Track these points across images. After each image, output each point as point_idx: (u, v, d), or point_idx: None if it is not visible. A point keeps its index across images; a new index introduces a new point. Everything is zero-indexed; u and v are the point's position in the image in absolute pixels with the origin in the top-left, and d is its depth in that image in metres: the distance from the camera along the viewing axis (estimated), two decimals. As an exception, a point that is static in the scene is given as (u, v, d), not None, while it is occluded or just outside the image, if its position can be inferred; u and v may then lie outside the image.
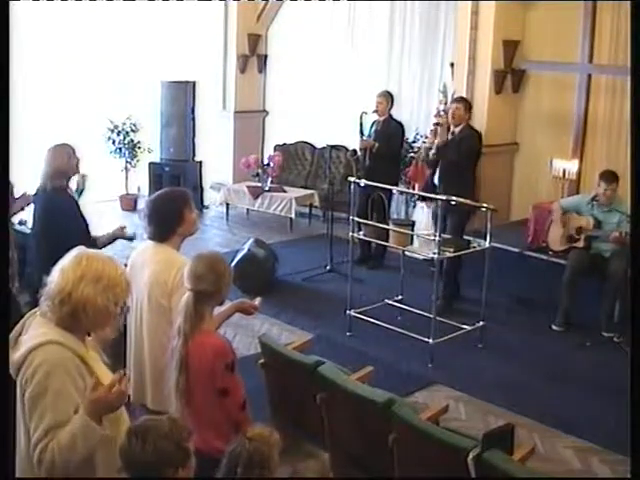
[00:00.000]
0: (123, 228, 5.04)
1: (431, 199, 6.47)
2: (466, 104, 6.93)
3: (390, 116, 7.89)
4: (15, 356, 2.44)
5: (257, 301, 3.71)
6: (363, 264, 7.86)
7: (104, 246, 4.83)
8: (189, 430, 2.38)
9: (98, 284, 2.44)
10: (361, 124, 7.80)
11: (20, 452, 2.47)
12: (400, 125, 7.95)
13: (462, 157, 6.69)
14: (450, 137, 6.77)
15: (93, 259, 2.51)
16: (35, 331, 2.46)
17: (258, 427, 2.60)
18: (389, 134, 7.79)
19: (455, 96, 7.99)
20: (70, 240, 4.76)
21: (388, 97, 7.90)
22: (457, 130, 6.79)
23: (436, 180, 6.89)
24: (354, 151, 7.90)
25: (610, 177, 6.37)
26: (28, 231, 5.64)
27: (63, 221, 4.77)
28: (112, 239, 4.98)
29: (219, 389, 3.08)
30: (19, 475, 2.48)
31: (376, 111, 7.82)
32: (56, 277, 2.47)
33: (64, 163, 4.86)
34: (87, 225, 4.88)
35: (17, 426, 2.49)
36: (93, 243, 4.78)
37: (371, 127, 7.93)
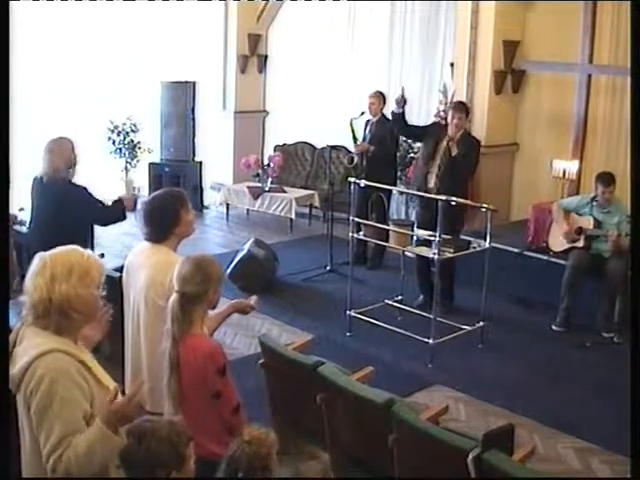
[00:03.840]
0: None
1: (429, 199, 6.40)
2: (467, 112, 6.75)
3: (383, 116, 7.86)
4: (14, 370, 2.38)
5: (253, 300, 3.69)
6: (359, 264, 7.82)
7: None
8: (189, 435, 2.38)
9: (71, 277, 2.40)
10: (352, 130, 7.80)
11: (27, 462, 2.44)
12: None
13: (463, 172, 6.61)
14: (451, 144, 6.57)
15: (56, 256, 2.45)
16: (30, 342, 2.41)
17: (255, 429, 2.59)
18: (384, 135, 7.75)
19: (455, 99, 7.98)
20: (103, 218, 5.13)
21: (380, 97, 7.86)
22: (458, 136, 6.56)
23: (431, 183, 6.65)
24: (351, 157, 7.88)
25: (607, 179, 6.36)
26: (26, 231, 5.67)
27: (90, 205, 5.06)
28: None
29: (211, 393, 3.07)
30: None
31: (368, 111, 7.79)
32: (29, 288, 2.42)
33: (72, 154, 5.08)
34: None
35: (21, 437, 2.44)
36: (122, 206, 5.18)
37: (365, 128, 7.90)
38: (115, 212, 5.16)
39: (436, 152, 6.60)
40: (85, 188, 5.07)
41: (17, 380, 2.37)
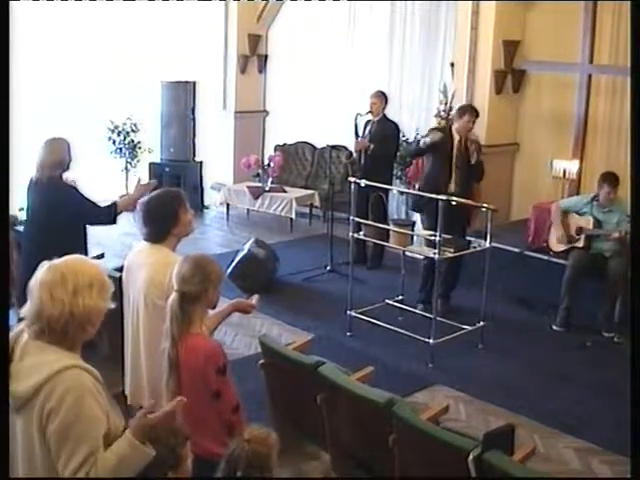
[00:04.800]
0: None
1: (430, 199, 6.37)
2: (477, 115, 6.73)
3: (384, 116, 7.86)
4: (21, 387, 2.26)
5: (254, 299, 3.69)
6: (359, 264, 7.79)
7: (121, 212, 5.04)
8: (186, 435, 2.37)
9: (92, 290, 2.31)
10: (356, 125, 7.79)
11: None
12: (395, 125, 7.92)
13: (478, 175, 6.73)
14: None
15: (72, 268, 2.33)
16: (38, 358, 2.30)
17: (256, 428, 2.59)
18: (385, 135, 7.75)
19: (455, 99, 7.97)
20: (91, 218, 4.99)
21: (382, 97, 7.85)
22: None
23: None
24: (350, 153, 7.89)
25: (613, 180, 6.35)
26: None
27: (78, 205, 4.95)
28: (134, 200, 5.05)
29: (211, 392, 3.07)
30: None
31: (370, 112, 7.79)
32: (44, 301, 2.28)
33: (63, 156, 5.02)
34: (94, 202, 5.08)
35: (19, 454, 2.34)
36: (114, 211, 5.00)
37: (365, 127, 7.90)
38: (105, 214, 5.05)
39: (450, 158, 6.58)
40: (75, 188, 5.01)
41: (27, 398, 2.25)
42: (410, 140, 8.99)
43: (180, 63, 10.48)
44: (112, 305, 2.42)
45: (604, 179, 6.42)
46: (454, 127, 6.69)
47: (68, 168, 5.06)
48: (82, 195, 5.02)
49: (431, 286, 6.71)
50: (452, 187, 6.55)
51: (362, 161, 7.78)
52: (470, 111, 6.67)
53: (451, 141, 6.61)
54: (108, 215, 5.05)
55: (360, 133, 7.89)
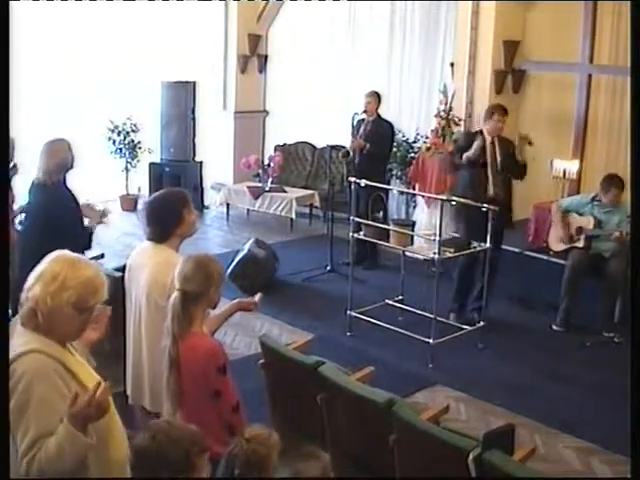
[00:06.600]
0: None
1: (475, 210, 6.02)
2: (506, 113, 6.64)
3: (379, 115, 7.86)
4: None
5: (257, 297, 3.69)
6: (359, 265, 7.77)
7: None
8: (203, 446, 2.35)
9: (52, 284, 2.37)
10: (353, 125, 7.81)
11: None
12: (390, 125, 7.92)
13: (513, 174, 6.63)
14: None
15: (58, 260, 2.44)
16: (16, 340, 2.40)
17: (257, 428, 2.59)
18: (379, 134, 7.75)
19: (455, 99, 7.98)
20: (77, 230, 4.93)
21: (376, 96, 7.85)
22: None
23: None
24: (347, 152, 7.89)
25: (620, 183, 6.29)
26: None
27: (71, 212, 4.92)
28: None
29: (211, 392, 3.08)
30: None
31: (365, 111, 7.78)
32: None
33: (66, 157, 4.98)
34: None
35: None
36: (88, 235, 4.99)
37: (359, 126, 7.87)
38: (84, 241, 4.97)
39: (486, 162, 6.39)
40: (76, 201, 4.99)
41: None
42: (410, 140, 9.00)
43: (180, 63, 10.48)
44: (79, 314, 2.42)
45: (610, 183, 6.33)
46: (485, 129, 6.51)
47: (72, 167, 5.04)
48: (77, 210, 4.99)
49: (466, 292, 6.56)
50: (492, 191, 6.36)
51: (357, 160, 7.80)
52: (500, 110, 6.54)
53: (484, 144, 6.42)
54: (86, 241, 4.99)
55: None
